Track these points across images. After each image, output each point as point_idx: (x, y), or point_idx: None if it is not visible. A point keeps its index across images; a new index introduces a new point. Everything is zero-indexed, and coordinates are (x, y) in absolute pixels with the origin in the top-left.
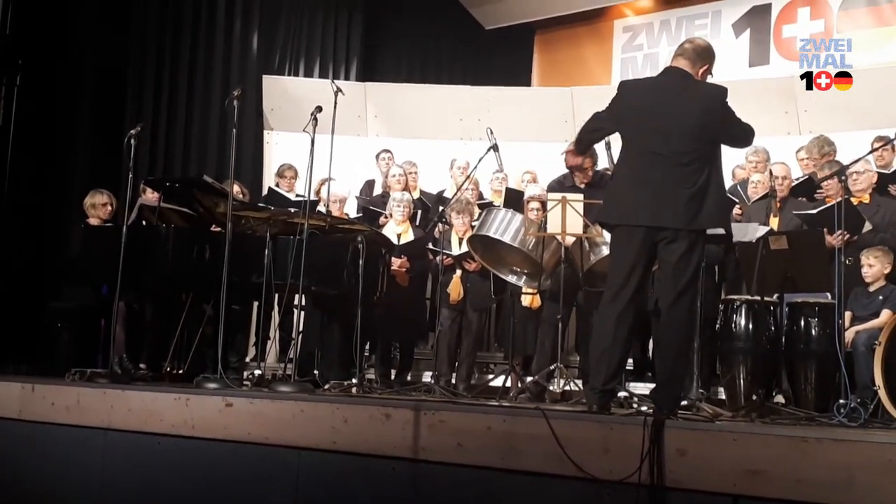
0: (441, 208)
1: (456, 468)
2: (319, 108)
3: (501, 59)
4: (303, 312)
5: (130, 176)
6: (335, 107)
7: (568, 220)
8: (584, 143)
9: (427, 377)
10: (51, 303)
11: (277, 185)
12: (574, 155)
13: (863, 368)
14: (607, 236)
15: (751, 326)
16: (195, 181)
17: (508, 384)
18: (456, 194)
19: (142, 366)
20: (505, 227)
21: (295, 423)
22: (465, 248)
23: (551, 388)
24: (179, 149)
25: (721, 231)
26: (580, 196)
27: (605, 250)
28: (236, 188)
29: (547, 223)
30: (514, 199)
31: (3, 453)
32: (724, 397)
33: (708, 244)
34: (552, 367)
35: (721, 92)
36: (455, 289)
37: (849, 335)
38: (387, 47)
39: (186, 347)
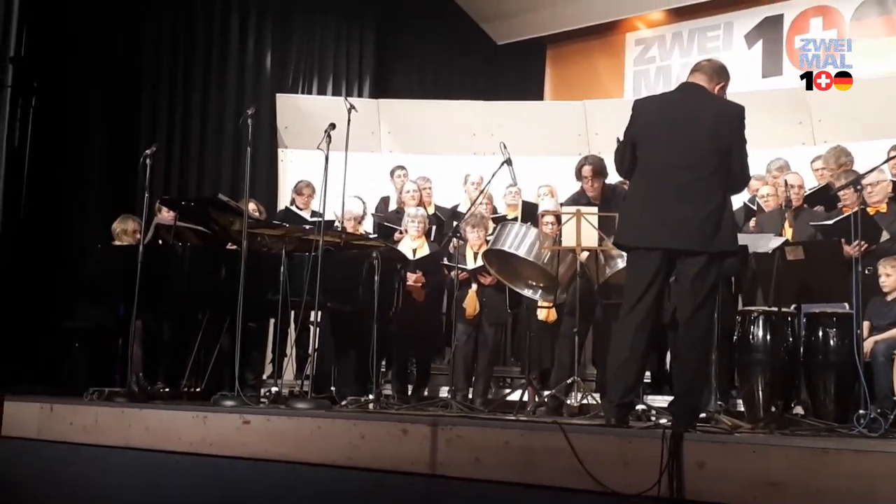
0: (455, 223)
1: (474, 483)
2: (333, 126)
3: (513, 73)
4: (319, 329)
5: (146, 195)
6: (349, 124)
7: (583, 233)
8: (625, 168)
9: (444, 392)
10: (68, 323)
11: (293, 202)
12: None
13: (882, 378)
14: None
15: (768, 338)
16: (210, 200)
17: (525, 398)
18: (470, 209)
19: (159, 384)
20: (520, 242)
21: (312, 440)
22: (479, 263)
23: (569, 401)
24: (194, 168)
25: (729, 247)
26: (595, 209)
27: (621, 263)
28: (252, 206)
29: (562, 237)
30: (531, 212)
31: (22, 473)
32: (742, 409)
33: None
34: (569, 381)
35: (739, 109)
36: (471, 303)
37: (867, 345)
38: (399, 64)
39: (203, 365)
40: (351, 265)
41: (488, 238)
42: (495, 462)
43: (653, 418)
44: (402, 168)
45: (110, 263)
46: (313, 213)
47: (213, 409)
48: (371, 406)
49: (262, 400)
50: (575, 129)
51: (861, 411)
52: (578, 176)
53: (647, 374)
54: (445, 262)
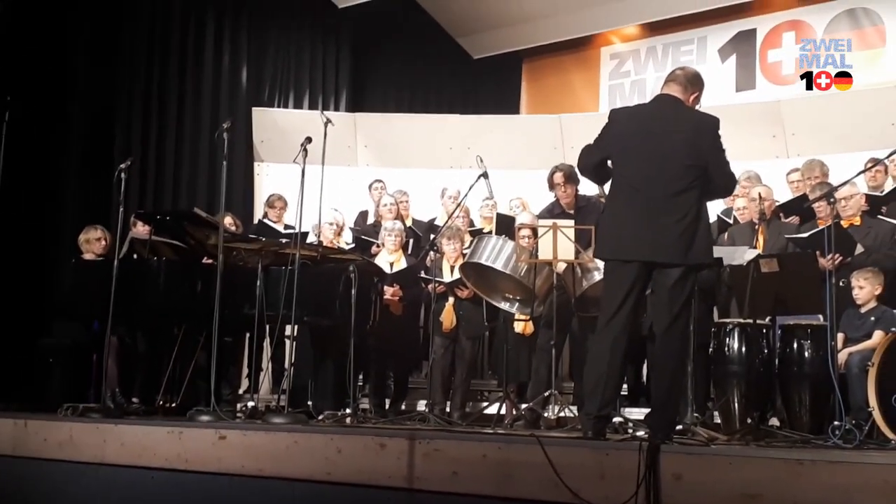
0: (432, 236)
1: (451, 497)
2: (309, 139)
3: (490, 87)
4: (295, 343)
5: (121, 210)
6: (325, 137)
7: (559, 246)
8: (589, 171)
9: (421, 406)
10: (42, 339)
11: (266, 216)
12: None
13: (856, 390)
14: (600, 262)
15: (744, 350)
16: (186, 214)
17: (503, 412)
18: (447, 222)
19: (134, 400)
20: (497, 255)
21: (289, 455)
22: (457, 276)
23: (546, 414)
24: (170, 182)
25: (705, 259)
26: (571, 222)
27: (598, 276)
28: (228, 220)
29: (538, 250)
30: (506, 225)
31: None
32: (718, 421)
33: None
34: (547, 394)
35: (714, 121)
36: (448, 317)
37: (842, 357)
38: (375, 78)
39: (179, 380)
40: (328, 279)
41: (465, 251)
42: (473, 475)
43: (630, 431)
44: (380, 181)
45: (84, 279)
46: (286, 227)
47: (188, 425)
48: (348, 420)
49: (238, 415)
50: (551, 143)
51: (836, 423)
52: (551, 185)
53: (624, 386)
54: (423, 275)
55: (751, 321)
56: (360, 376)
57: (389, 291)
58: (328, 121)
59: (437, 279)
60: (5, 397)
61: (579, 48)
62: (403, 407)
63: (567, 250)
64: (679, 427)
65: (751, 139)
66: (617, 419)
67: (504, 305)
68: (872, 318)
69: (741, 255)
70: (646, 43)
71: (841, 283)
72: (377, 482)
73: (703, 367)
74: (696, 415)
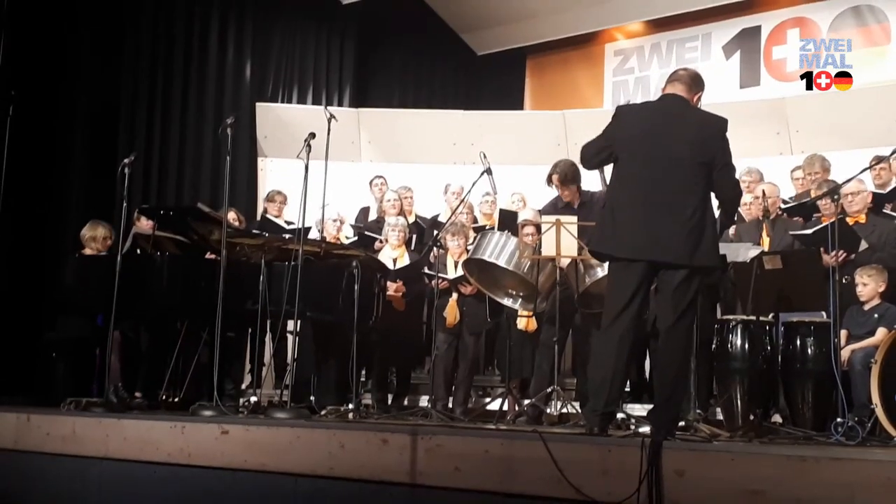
0: (436, 232)
1: (454, 492)
2: (313, 135)
3: (494, 83)
4: (298, 338)
5: (124, 205)
6: (329, 133)
7: (563, 242)
8: (593, 164)
9: (424, 401)
10: (46, 333)
11: (266, 211)
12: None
13: (859, 387)
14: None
15: (747, 346)
16: (189, 209)
17: (506, 407)
18: (450, 218)
19: (137, 394)
20: (500, 251)
21: (291, 450)
22: (460, 272)
23: (549, 410)
24: (173, 177)
25: (710, 263)
26: (574, 218)
27: (601, 272)
28: (232, 215)
29: (542, 246)
30: (509, 220)
31: None
32: (721, 418)
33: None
34: (549, 390)
35: (722, 122)
36: (451, 312)
37: (845, 354)
38: (379, 73)
39: (182, 375)
40: (331, 275)
41: (469, 247)
42: (475, 471)
43: (632, 427)
44: (381, 177)
45: (88, 273)
46: (286, 222)
47: (191, 420)
48: (351, 416)
49: (241, 410)
50: (554, 139)
51: (839, 419)
52: (549, 183)
53: (627, 382)
54: (426, 271)
55: (754, 318)
56: (363, 372)
57: (392, 287)
58: (332, 116)
59: (440, 275)
60: (8, 391)
61: (583, 45)
62: (406, 402)
63: (570, 246)
64: (681, 424)
65: (755, 136)
66: (619, 415)
67: (507, 301)
68: (876, 316)
69: (744, 252)
70: (650, 40)
71: (844, 280)
72: (379, 477)
73: (706, 364)
74: (698, 411)
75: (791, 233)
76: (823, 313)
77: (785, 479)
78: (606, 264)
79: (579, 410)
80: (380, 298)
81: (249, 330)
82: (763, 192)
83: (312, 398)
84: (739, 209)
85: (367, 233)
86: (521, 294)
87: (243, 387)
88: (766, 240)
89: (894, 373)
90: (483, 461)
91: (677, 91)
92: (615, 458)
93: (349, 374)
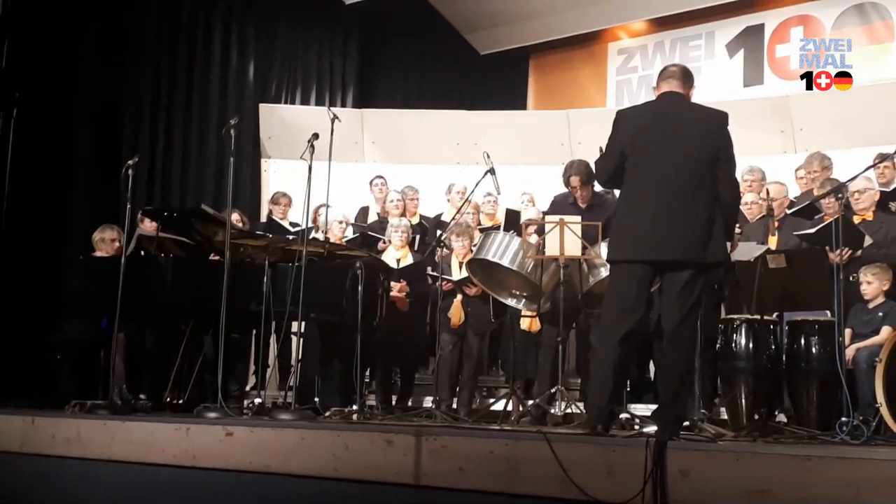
0: (439, 232)
1: (458, 493)
2: (316, 136)
3: (497, 83)
4: (302, 340)
5: (128, 206)
6: (332, 134)
7: (566, 242)
8: (604, 183)
9: (428, 402)
10: (50, 335)
11: (271, 213)
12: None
13: (864, 386)
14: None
15: (751, 346)
16: (193, 211)
17: (510, 408)
18: (454, 217)
19: (142, 396)
20: (503, 251)
21: (296, 452)
22: (465, 273)
23: (553, 411)
24: (177, 178)
25: (721, 257)
26: (578, 218)
27: (605, 272)
28: (236, 216)
29: (545, 246)
30: (514, 220)
31: (4, 487)
32: (725, 417)
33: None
34: (553, 390)
35: (724, 116)
36: (456, 313)
37: (849, 352)
38: (382, 74)
39: (186, 377)
40: (334, 275)
41: (473, 247)
42: (480, 472)
43: (636, 427)
44: (381, 177)
45: (93, 275)
46: (291, 224)
47: (196, 421)
48: (355, 417)
49: (246, 411)
50: (558, 139)
51: (844, 419)
52: (567, 185)
53: (629, 382)
54: (430, 271)
55: (758, 317)
56: (367, 372)
57: (396, 288)
58: (335, 117)
59: (444, 277)
60: (13, 394)
61: (587, 44)
62: (410, 403)
63: (574, 246)
64: (686, 423)
65: (758, 134)
66: (624, 415)
67: (511, 302)
68: (880, 314)
69: (748, 251)
70: (653, 38)
71: (850, 279)
72: (384, 478)
73: (710, 364)
74: (703, 411)
75: (795, 233)
76: (828, 312)
77: (790, 478)
78: (614, 268)
79: (583, 410)
80: (383, 299)
81: (254, 331)
82: (767, 191)
83: (317, 399)
84: (742, 208)
85: (370, 233)
86: (524, 294)
87: (248, 388)
88: (772, 239)
89: None
90: (488, 462)
91: (673, 88)
92: (620, 458)
93: (353, 375)
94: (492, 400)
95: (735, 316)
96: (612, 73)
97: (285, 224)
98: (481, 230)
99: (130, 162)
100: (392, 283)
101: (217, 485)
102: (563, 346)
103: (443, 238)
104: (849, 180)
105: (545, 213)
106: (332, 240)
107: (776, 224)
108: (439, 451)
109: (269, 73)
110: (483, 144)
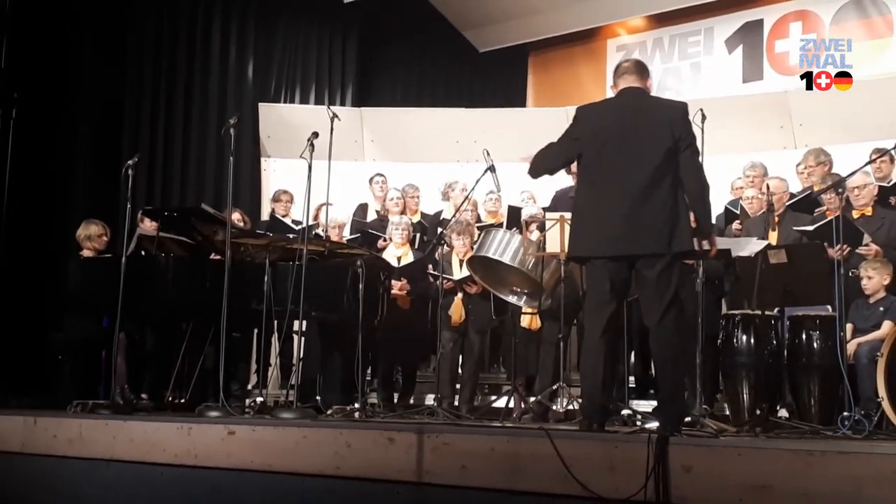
0: (440, 230)
1: (461, 490)
2: (316, 134)
3: (496, 80)
4: (303, 338)
5: (128, 206)
6: (331, 132)
7: (567, 239)
8: (540, 171)
9: (430, 400)
10: (51, 335)
11: (273, 211)
12: None
13: (865, 380)
14: None
15: (752, 341)
16: (193, 210)
17: (511, 405)
18: (454, 216)
19: (143, 396)
20: (504, 248)
21: (298, 450)
22: (465, 271)
23: (554, 407)
24: (177, 178)
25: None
26: None
27: None
28: (237, 215)
29: (546, 243)
30: (516, 217)
31: (6, 487)
32: (727, 413)
33: (708, 260)
34: (554, 387)
35: (684, 106)
36: (457, 311)
37: (851, 347)
38: (382, 72)
39: (188, 376)
40: (335, 274)
41: (474, 245)
42: (482, 469)
43: (639, 423)
44: (381, 175)
45: (92, 275)
46: (293, 222)
47: (197, 420)
48: (357, 415)
49: (247, 410)
50: (558, 136)
51: (845, 413)
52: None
53: (632, 378)
54: (431, 270)
55: (759, 312)
56: (369, 371)
57: (397, 286)
58: (334, 115)
59: (445, 275)
60: (15, 394)
61: (586, 40)
62: (412, 401)
63: None
64: (687, 419)
65: (758, 130)
66: (625, 412)
67: (512, 299)
68: (881, 309)
69: (751, 247)
70: (652, 34)
71: (851, 274)
72: (386, 476)
73: (711, 359)
74: (704, 406)
75: (795, 228)
76: (829, 307)
77: (792, 473)
78: (587, 268)
79: None
80: (384, 297)
81: (255, 330)
82: (767, 186)
83: (318, 398)
84: (743, 203)
85: (370, 231)
86: (525, 291)
87: (249, 387)
88: (772, 234)
89: None
90: (490, 459)
91: (631, 83)
92: (622, 454)
93: (355, 374)
94: (493, 397)
95: (736, 311)
96: (611, 70)
97: (287, 222)
98: (479, 227)
99: (130, 161)
100: (393, 281)
101: (219, 484)
102: (565, 342)
103: (443, 236)
104: (847, 176)
105: (546, 210)
106: (332, 237)
107: (776, 219)
108: (441, 449)
109: (268, 71)
110: (483, 142)
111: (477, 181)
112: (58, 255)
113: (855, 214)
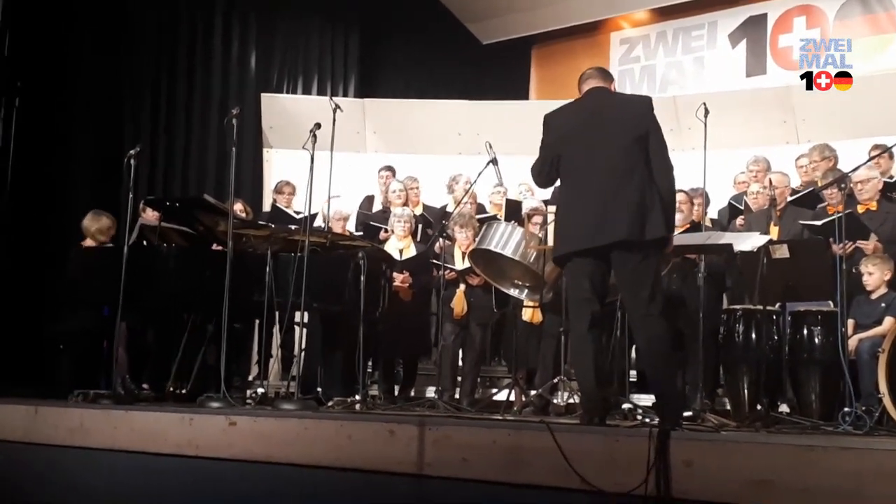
0: (443, 222)
1: (461, 483)
2: (318, 125)
3: (499, 73)
4: (305, 330)
5: (130, 196)
6: (334, 124)
7: None
8: (540, 183)
9: (430, 392)
10: (52, 325)
11: (275, 202)
12: None
13: (867, 376)
14: None
15: (753, 336)
16: (195, 200)
17: (512, 398)
18: (456, 208)
19: (145, 386)
20: (506, 241)
21: (299, 441)
22: (468, 264)
23: (555, 401)
24: (179, 168)
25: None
26: None
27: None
28: (239, 206)
29: (548, 236)
30: (514, 210)
31: (8, 477)
32: (728, 407)
33: (710, 254)
34: (555, 380)
35: (647, 99)
36: (459, 303)
37: (852, 343)
38: (384, 64)
39: (189, 367)
40: (337, 266)
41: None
42: (482, 462)
43: (640, 417)
44: (388, 169)
45: (94, 265)
46: (296, 212)
47: (199, 411)
48: (358, 407)
49: (249, 401)
50: None
51: (846, 409)
52: None
53: (633, 372)
54: (433, 261)
55: (761, 307)
56: (370, 363)
57: (399, 278)
58: (337, 107)
59: (448, 266)
60: (16, 384)
61: (589, 33)
62: (413, 393)
63: None
64: (688, 414)
65: (761, 125)
66: (626, 406)
67: (513, 292)
68: (883, 305)
69: (750, 242)
70: (656, 28)
71: (854, 270)
72: (387, 468)
73: (712, 354)
74: (705, 401)
75: (801, 222)
76: (830, 303)
77: (792, 468)
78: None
79: None
80: (386, 289)
81: (256, 321)
82: (770, 181)
83: (319, 389)
84: (746, 198)
85: (372, 223)
86: (527, 284)
87: (250, 378)
88: (774, 229)
89: None
90: (490, 452)
91: (597, 85)
92: (623, 448)
93: (356, 365)
94: (494, 390)
95: (737, 306)
96: (614, 63)
97: (290, 212)
98: (481, 220)
99: (132, 152)
100: (395, 274)
101: (220, 474)
102: (566, 336)
103: (445, 228)
104: (851, 171)
105: (547, 203)
106: (335, 229)
107: (778, 214)
108: (442, 441)
109: (270, 62)
110: (485, 134)
111: (479, 174)
112: (59, 245)
113: (860, 209)
